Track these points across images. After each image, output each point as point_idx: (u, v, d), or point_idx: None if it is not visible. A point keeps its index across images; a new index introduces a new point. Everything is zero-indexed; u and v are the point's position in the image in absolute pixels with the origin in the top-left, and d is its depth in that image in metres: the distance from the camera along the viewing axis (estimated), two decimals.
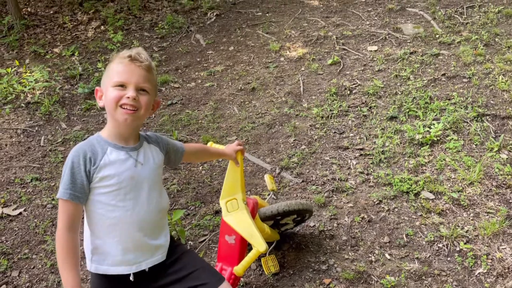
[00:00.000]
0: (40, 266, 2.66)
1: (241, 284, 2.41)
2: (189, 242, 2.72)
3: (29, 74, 4.86)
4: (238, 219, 2.08)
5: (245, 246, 2.23)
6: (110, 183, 1.46)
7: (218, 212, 2.93)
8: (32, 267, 2.66)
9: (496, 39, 4.54)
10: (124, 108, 1.44)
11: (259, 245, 2.07)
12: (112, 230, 1.49)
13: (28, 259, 2.72)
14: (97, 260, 1.51)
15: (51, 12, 6.88)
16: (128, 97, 1.43)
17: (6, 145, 3.94)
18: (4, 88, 4.64)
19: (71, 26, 6.30)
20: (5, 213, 3.09)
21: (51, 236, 2.87)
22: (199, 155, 2.01)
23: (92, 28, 6.23)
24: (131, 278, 1.52)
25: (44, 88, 4.72)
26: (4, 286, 2.55)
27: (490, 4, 5.31)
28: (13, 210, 3.12)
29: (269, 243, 2.45)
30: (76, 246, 1.42)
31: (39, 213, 3.09)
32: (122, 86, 1.44)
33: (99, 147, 1.49)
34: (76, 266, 1.40)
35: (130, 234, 1.51)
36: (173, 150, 1.73)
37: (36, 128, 4.16)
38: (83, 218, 1.52)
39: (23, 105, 4.49)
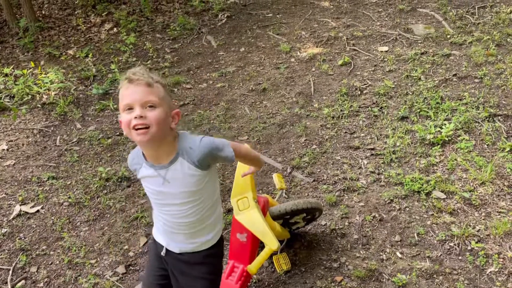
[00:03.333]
0: (57, 262, 2.73)
1: (254, 281, 2.45)
2: None
3: (44, 75, 4.95)
4: (249, 217, 2.11)
5: (256, 244, 2.27)
6: (147, 191, 1.65)
7: (230, 211, 2.97)
8: (50, 263, 2.73)
9: (508, 39, 4.53)
10: (136, 129, 1.42)
11: (271, 243, 2.10)
12: (157, 213, 1.69)
13: (46, 255, 2.79)
14: (154, 224, 1.75)
15: (65, 14, 7.00)
16: (136, 117, 1.41)
17: (23, 144, 4.04)
18: (21, 89, 4.74)
19: (84, 28, 6.40)
20: (23, 211, 3.17)
21: (68, 233, 2.94)
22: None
23: (105, 30, 6.32)
24: (163, 253, 1.69)
25: (59, 89, 4.81)
26: (23, 281, 2.62)
27: (502, 4, 5.28)
28: (30, 207, 3.20)
29: (279, 241, 2.48)
30: None
31: (56, 211, 3.16)
32: (130, 108, 1.43)
33: (137, 161, 1.62)
34: None
35: (165, 227, 1.68)
36: (220, 160, 1.62)
37: (52, 128, 4.25)
38: None
39: (39, 105, 4.59)
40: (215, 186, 1.67)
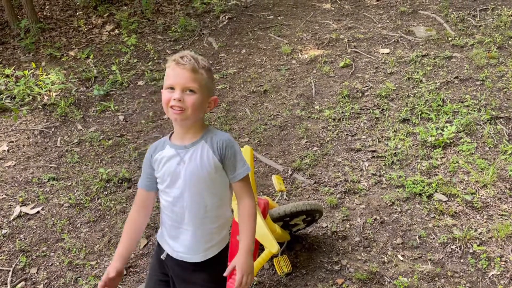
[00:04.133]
0: (58, 263, 2.72)
1: (255, 283, 2.44)
2: None
3: (46, 77, 4.95)
4: None
5: (256, 247, 2.26)
6: (159, 175, 1.63)
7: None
8: (50, 264, 2.73)
9: (510, 42, 4.52)
10: (173, 108, 1.52)
11: (271, 246, 2.10)
12: (163, 210, 1.67)
13: (46, 257, 2.78)
14: (160, 227, 1.74)
15: (66, 15, 7.01)
16: (174, 99, 1.51)
17: (23, 145, 4.03)
18: (22, 90, 4.74)
19: (86, 29, 6.41)
20: (23, 212, 3.16)
21: (68, 234, 2.93)
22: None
23: (106, 31, 6.33)
24: (162, 256, 1.67)
25: (60, 90, 4.81)
26: (23, 282, 2.61)
27: (503, 7, 5.28)
28: (31, 209, 3.20)
29: (280, 243, 2.47)
30: (133, 222, 1.67)
31: (56, 212, 3.15)
32: (172, 88, 1.53)
33: (162, 144, 1.66)
34: (125, 239, 1.65)
35: (170, 222, 1.65)
36: (229, 169, 1.61)
37: (53, 129, 4.25)
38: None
39: (39, 106, 4.59)
40: (226, 189, 1.65)
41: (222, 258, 1.70)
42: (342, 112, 3.86)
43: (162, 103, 1.55)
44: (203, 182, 1.58)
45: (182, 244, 1.63)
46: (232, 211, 2.43)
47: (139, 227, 1.68)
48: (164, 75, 1.62)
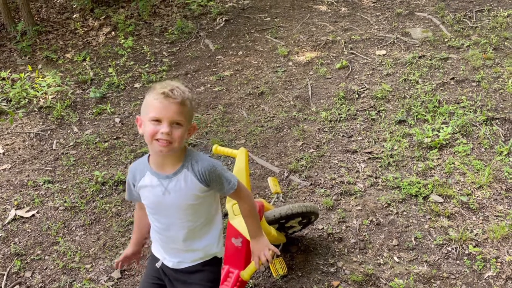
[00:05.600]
0: (52, 267, 2.71)
1: (250, 285, 2.43)
2: None
3: (42, 79, 4.94)
4: (244, 222, 2.10)
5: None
6: (145, 202, 1.67)
7: (226, 215, 2.95)
8: (44, 268, 2.71)
9: (506, 43, 4.53)
10: (159, 141, 1.50)
11: None
12: (153, 230, 1.73)
13: (40, 260, 2.77)
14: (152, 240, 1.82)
15: (63, 18, 7.00)
16: (162, 133, 1.48)
17: (19, 148, 4.02)
18: (18, 92, 4.73)
19: (82, 32, 6.40)
20: (18, 215, 3.15)
21: (63, 238, 2.92)
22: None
23: (103, 33, 6.32)
24: (157, 265, 1.72)
25: (56, 93, 4.81)
26: (18, 286, 2.60)
27: (499, 8, 5.29)
28: (26, 212, 3.18)
29: (276, 246, 2.46)
30: (139, 216, 1.84)
31: (51, 215, 3.14)
32: (158, 121, 1.49)
33: (141, 169, 1.65)
34: (136, 230, 1.88)
35: (161, 242, 1.72)
36: (218, 188, 1.65)
37: (49, 132, 4.23)
38: None
39: (35, 109, 4.58)
40: (212, 206, 1.68)
41: (217, 261, 1.76)
42: (339, 114, 3.85)
43: (146, 135, 1.51)
44: (190, 209, 1.62)
45: (177, 256, 1.70)
46: (227, 214, 2.42)
47: (145, 219, 1.77)
48: (154, 81, 1.61)
